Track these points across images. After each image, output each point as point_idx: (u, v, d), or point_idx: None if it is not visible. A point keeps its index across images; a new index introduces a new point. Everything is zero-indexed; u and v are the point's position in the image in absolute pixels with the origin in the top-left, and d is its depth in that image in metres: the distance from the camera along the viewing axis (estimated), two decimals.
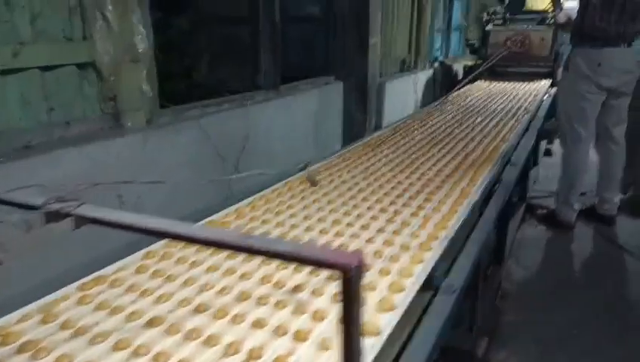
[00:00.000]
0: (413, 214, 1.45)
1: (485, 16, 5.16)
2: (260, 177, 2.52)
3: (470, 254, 1.30)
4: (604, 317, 2.23)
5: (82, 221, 0.61)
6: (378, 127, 4.15)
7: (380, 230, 1.33)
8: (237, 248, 0.54)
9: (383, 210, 1.47)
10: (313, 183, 1.05)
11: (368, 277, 1.08)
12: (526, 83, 4.57)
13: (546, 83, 4.60)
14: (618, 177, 3.24)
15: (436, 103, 3.61)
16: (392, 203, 1.53)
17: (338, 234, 1.31)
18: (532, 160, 3.34)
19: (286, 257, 0.52)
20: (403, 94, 4.77)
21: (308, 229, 1.34)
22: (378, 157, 2.09)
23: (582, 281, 2.62)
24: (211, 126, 2.37)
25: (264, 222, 1.40)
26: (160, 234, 0.65)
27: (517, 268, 2.64)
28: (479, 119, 2.96)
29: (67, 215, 0.60)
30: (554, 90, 4.31)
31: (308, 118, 3.37)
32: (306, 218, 1.41)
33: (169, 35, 3.07)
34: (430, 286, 1.14)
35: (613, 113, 3.05)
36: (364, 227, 1.35)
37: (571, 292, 2.44)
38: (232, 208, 1.49)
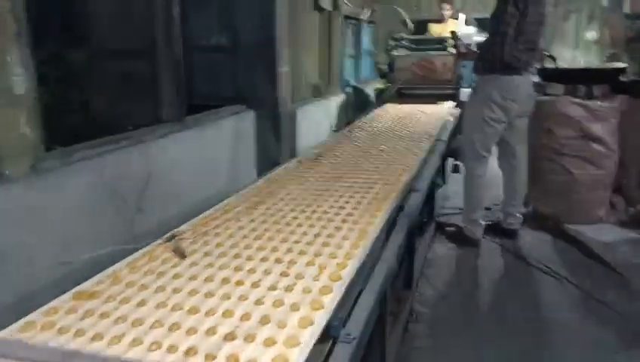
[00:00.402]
0: (309, 263, 1.43)
1: (391, 42, 5.37)
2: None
3: (368, 302, 1.30)
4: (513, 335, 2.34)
5: None
6: (292, 153, 4.15)
7: (271, 288, 1.30)
8: None
9: (278, 261, 1.44)
10: (181, 255, 0.99)
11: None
12: (432, 105, 4.78)
13: (450, 104, 4.85)
14: (522, 193, 3.48)
15: (345, 130, 3.68)
16: (288, 250, 1.52)
17: (225, 297, 1.26)
18: (439, 181, 3.47)
19: None
20: (316, 119, 4.82)
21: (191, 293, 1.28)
22: (280, 196, 2.06)
23: (489, 299, 2.74)
24: (107, 166, 2.24)
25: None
26: None
27: (427, 288, 2.71)
28: (385, 146, 3.03)
29: None
30: (457, 110, 4.56)
31: (218, 150, 3.29)
32: (191, 278, 1.35)
33: (63, 70, 2.89)
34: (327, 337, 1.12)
35: (516, 133, 3.30)
36: (254, 285, 1.31)
37: (479, 312, 2.54)
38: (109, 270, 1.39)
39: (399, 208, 2.04)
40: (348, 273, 1.37)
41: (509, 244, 3.37)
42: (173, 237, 0.88)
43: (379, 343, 1.68)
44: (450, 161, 4.42)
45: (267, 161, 3.88)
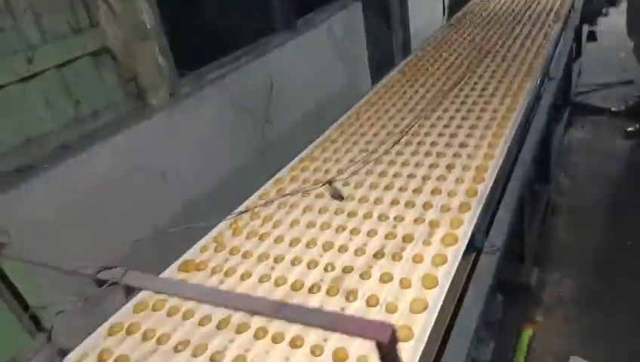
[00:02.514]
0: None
1: None
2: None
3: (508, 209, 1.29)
4: None
5: (129, 289, 0.64)
6: (406, 42, 3.94)
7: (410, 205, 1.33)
8: (272, 316, 0.56)
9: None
10: (340, 197, 1.03)
11: None
12: None
13: None
14: None
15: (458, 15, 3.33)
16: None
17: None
18: (573, 54, 3.09)
19: (322, 327, 0.53)
20: (429, 1, 4.44)
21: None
22: (409, 95, 2.04)
23: (628, 186, 2.53)
24: (234, 83, 2.33)
25: None
26: (196, 300, 0.67)
27: (565, 179, 2.57)
28: (509, 28, 2.72)
29: (114, 283, 0.63)
30: None
31: (331, 49, 3.23)
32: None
33: None
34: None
35: None
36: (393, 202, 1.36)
37: (617, 201, 2.37)
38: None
39: (535, 99, 1.90)
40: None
41: None
42: (329, 182, 0.93)
43: (518, 242, 1.68)
44: (586, 28, 3.90)
45: (379, 55, 3.75)
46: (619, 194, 2.44)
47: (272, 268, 1.14)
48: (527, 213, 1.68)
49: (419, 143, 1.63)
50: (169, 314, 1.02)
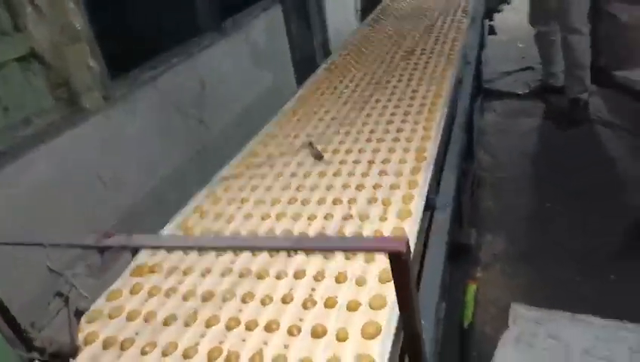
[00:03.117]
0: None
1: None
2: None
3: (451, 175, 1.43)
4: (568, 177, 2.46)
5: (135, 249, 0.66)
6: (325, 43, 4.09)
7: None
8: (295, 249, 0.61)
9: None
10: (319, 157, 1.10)
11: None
12: None
13: None
14: None
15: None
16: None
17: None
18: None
19: (341, 250, 0.60)
20: (341, 1, 4.64)
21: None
22: (340, 90, 2.14)
23: (543, 153, 2.83)
24: (166, 85, 2.32)
25: None
26: (205, 248, 0.70)
27: (485, 155, 2.82)
28: (422, 24, 2.93)
29: (123, 247, 0.65)
30: None
31: (258, 50, 3.29)
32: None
33: None
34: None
35: None
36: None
37: (535, 173, 2.65)
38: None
39: (459, 81, 2.08)
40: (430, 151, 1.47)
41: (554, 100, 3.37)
42: (310, 143, 0.99)
43: (457, 209, 1.84)
44: (486, 23, 4.27)
45: (301, 55, 3.86)
46: (532, 165, 2.73)
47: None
48: (460, 185, 1.84)
49: (358, 132, 1.69)
50: (169, 273, 1.05)
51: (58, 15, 1.76)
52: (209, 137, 2.61)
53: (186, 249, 0.72)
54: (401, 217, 1.13)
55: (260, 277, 0.98)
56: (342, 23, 4.41)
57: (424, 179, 1.30)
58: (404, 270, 0.58)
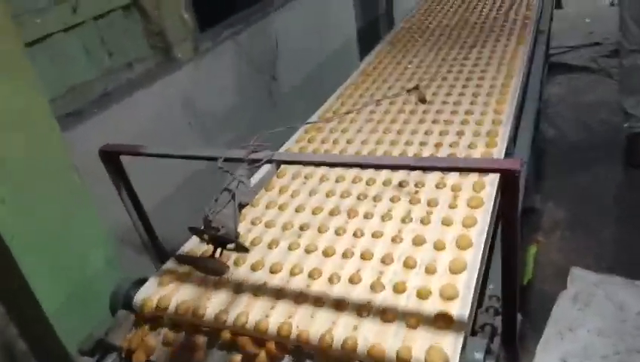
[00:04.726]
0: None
1: None
2: None
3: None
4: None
5: (279, 164, 0.79)
6: (389, 7, 4.11)
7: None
8: (416, 168, 0.72)
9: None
10: (423, 100, 1.19)
11: None
12: None
13: None
14: None
15: None
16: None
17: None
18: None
19: (458, 169, 0.71)
20: None
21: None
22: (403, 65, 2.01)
23: (605, 133, 2.81)
24: (245, 41, 2.44)
25: None
26: (332, 165, 0.82)
27: (549, 128, 2.83)
28: None
29: (269, 161, 0.79)
30: None
31: (325, 12, 3.36)
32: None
33: None
34: None
35: None
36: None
37: (598, 146, 2.65)
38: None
39: (532, 51, 2.09)
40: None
41: None
42: (416, 87, 1.07)
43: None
44: None
45: (366, 20, 3.90)
46: (596, 138, 2.72)
47: None
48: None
49: (424, 112, 1.54)
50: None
51: None
52: (280, 95, 2.74)
53: (321, 165, 0.84)
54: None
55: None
56: None
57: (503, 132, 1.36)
58: (515, 190, 0.68)
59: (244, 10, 2.59)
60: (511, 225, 0.72)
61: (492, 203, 1.03)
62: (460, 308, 0.80)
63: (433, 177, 1.11)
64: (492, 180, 1.08)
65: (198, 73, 2.12)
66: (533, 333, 1.64)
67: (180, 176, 1.98)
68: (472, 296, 0.82)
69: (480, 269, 0.89)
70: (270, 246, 1.02)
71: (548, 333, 1.67)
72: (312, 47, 3.16)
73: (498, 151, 1.27)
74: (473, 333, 0.84)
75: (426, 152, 1.31)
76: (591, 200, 2.23)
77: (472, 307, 0.82)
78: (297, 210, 1.13)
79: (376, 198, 1.11)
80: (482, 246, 0.91)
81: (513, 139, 1.49)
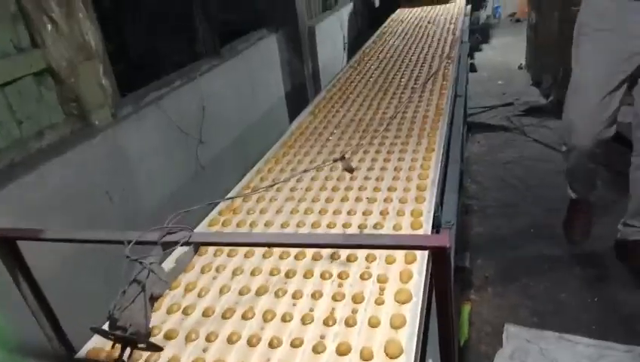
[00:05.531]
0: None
1: None
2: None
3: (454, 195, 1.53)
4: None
5: (197, 246, 0.72)
6: (315, 72, 4.23)
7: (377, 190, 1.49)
8: (345, 247, 0.69)
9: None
10: (350, 170, 1.17)
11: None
12: (442, 4, 4.74)
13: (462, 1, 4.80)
14: None
15: (367, 44, 3.68)
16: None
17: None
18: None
19: (388, 247, 0.67)
20: (332, 34, 4.82)
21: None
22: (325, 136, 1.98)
23: (525, 183, 2.97)
24: (169, 105, 2.38)
25: None
26: (261, 245, 0.77)
27: (471, 184, 2.94)
28: (412, 58, 3.04)
29: (186, 243, 0.71)
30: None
31: (252, 76, 3.40)
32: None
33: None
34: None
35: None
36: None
37: (519, 200, 2.79)
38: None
39: (452, 118, 2.18)
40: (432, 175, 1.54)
41: None
42: (342, 157, 1.04)
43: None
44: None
45: (293, 83, 3.99)
46: (515, 193, 2.86)
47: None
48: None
49: (346, 189, 1.48)
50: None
51: (76, 33, 1.82)
52: (208, 158, 2.67)
53: (244, 246, 0.77)
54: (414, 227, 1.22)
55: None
56: (330, 57, 4.59)
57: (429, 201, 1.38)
58: (446, 265, 0.65)
59: (168, 74, 2.55)
60: (444, 297, 0.69)
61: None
62: None
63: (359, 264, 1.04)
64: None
65: (116, 140, 2.02)
66: None
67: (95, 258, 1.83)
68: None
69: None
70: (188, 339, 0.92)
71: None
72: (242, 108, 3.16)
73: (424, 232, 1.25)
74: None
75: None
76: (518, 254, 2.30)
77: None
78: (221, 291, 1.05)
79: (307, 274, 1.05)
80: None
81: (440, 203, 1.51)
